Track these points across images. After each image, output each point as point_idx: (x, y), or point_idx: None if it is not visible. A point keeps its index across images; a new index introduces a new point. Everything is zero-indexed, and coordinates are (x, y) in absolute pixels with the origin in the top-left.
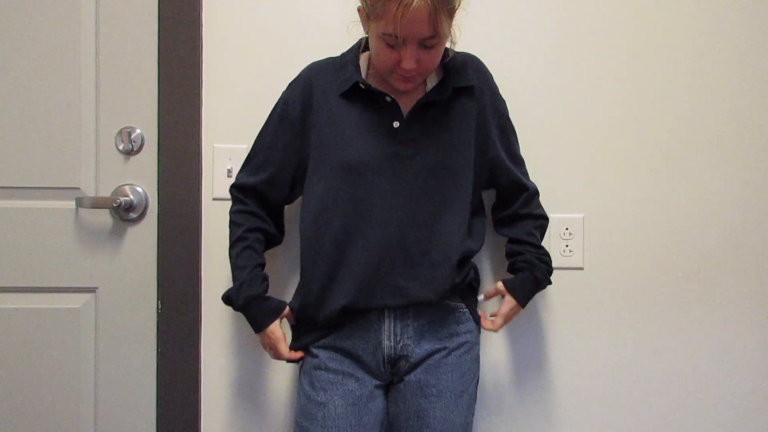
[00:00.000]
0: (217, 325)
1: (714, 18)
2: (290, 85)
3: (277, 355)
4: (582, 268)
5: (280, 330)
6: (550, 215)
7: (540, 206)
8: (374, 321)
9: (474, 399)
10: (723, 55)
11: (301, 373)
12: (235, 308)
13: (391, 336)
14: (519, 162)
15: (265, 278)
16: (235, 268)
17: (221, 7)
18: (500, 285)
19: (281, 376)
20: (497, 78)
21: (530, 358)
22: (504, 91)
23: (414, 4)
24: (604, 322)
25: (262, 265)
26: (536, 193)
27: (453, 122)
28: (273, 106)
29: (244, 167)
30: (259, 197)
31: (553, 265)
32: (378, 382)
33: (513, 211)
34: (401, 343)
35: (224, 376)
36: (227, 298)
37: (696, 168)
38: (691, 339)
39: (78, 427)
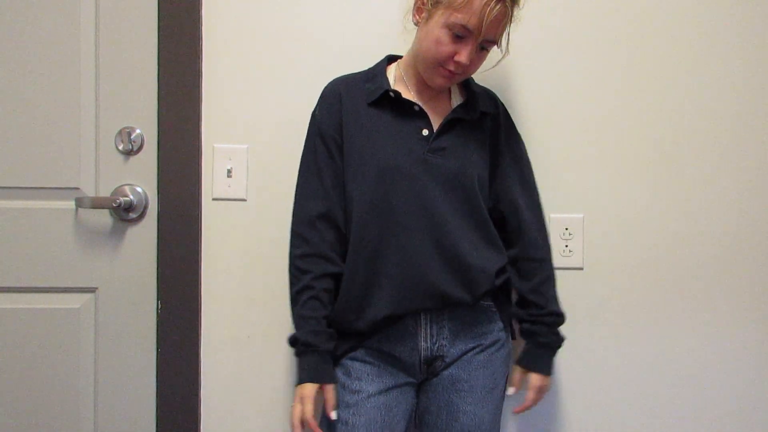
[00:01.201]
0: (217, 325)
1: (714, 18)
2: (318, 102)
3: (305, 413)
4: (582, 268)
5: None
6: (550, 215)
7: (548, 247)
8: (411, 325)
9: (503, 396)
10: (723, 56)
11: (337, 366)
12: (300, 353)
13: (428, 338)
14: (531, 189)
15: (333, 336)
16: (300, 318)
17: (221, 7)
18: (518, 369)
19: (281, 376)
20: (496, 78)
21: None
22: (504, 92)
23: (498, 6)
24: (603, 322)
25: (327, 318)
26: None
27: (473, 142)
28: (306, 131)
29: (300, 199)
30: (326, 223)
31: (553, 264)
32: (412, 380)
33: (517, 253)
34: (437, 344)
35: (224, 376)
36: (295, 340)
37: (696, 168)
38: (691, 338)
39: (78, 427)
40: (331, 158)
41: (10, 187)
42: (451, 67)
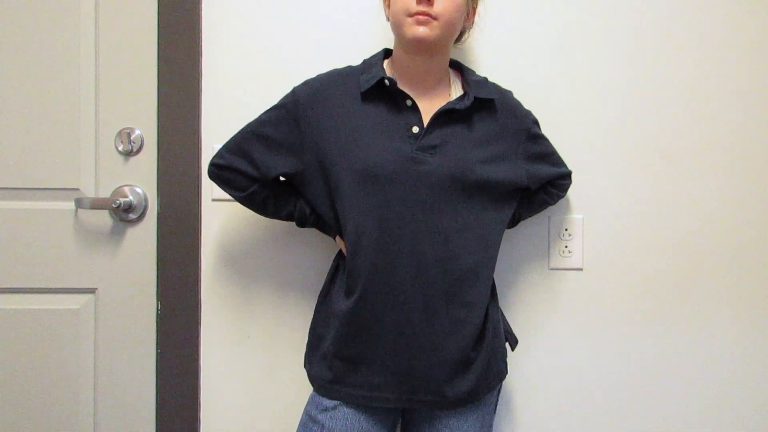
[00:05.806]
0: (217, 325)
1: (713, 19)
2: (306, 81)
3: None
4: (581, 269)
5: None
6: (550, 216)
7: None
8: None
9: (493, 411)
10: (722, 57)
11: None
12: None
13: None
14: (559, 165)
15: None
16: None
17: (221, 7)
18: None
19: (281, 377)
20: (496, 79)
21: (529, 358)
22: None
23: None
24: (603, 322)
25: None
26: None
27: (473, 136)
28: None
29: (239, 134)
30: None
31: (553, 265)
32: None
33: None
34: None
35: (224, 376)
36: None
37: (695, 168)
38: (691, 338)
39: (78, 427)
40: (271, 129)
41: (10, 188)
42: (421, 7)
